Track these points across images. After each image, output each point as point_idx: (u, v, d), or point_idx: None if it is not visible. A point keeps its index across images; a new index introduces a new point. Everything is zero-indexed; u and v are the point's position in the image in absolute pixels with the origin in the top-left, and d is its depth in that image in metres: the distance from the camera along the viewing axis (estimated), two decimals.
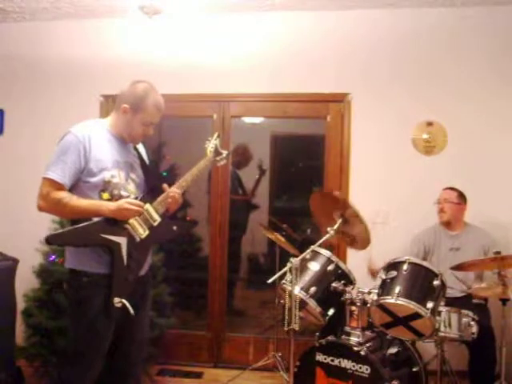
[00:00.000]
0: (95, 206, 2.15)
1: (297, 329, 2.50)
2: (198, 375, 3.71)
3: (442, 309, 2.70)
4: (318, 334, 2.95)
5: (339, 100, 3.80)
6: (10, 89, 4.07)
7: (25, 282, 3.33)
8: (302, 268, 2.76)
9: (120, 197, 2.21)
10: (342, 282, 2.84)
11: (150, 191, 2.34)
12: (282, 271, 2.57)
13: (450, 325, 2.71)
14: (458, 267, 2.84)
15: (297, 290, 2.56)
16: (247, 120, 4.55)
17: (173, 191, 2.31)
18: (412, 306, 2.53)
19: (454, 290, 3.12)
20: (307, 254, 2.76)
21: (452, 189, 3.38)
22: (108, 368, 2.28)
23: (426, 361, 2.98)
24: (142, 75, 3.93)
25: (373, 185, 3.69)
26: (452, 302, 2.85)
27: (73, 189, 2.18)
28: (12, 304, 3.17)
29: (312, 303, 2.73)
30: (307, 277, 2.81)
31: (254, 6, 3.72)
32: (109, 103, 3.95)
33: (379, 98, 3.72)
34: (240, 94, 3.88)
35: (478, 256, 3.14)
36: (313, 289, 2.75)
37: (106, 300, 2.13)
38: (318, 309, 2.74)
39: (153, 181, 2.37)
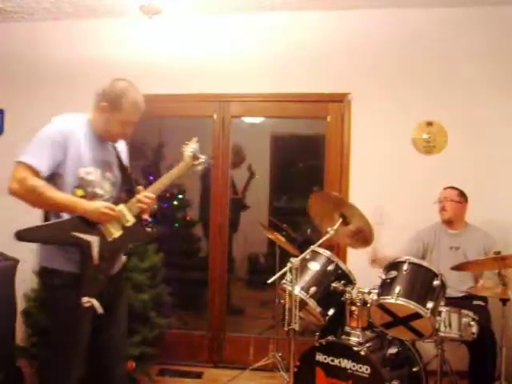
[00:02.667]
0: (71, 202, 2.10)
1: (297, 329, 2.50)
2: (198, 375, 3.71)
3: (442, 309, 2.70)
4: (318, 333, 2.95)
5: (339, 100, 3.80)
6: (9, 89, 4.07)
7: (25, 282, 3.33)
8: (302, 268, 2.76)
9: (94, 195, 2.18)
10: (342, 282, 2.84)
11: (126, 192, 2.31)
12: (282, 271, 2.57)
13: (450, 325, 2.71)
14: (459, 267, 2.84)
15: (297, 290, 2.56)
16: (247, 120, 4.55)
17: (144, 196, 2.26)
18: (412, 306, 2.53)
19: (454, 289, 3.12)
20: (307, 253, 2.76)
21: (453, 188, 3.38)
22: (91, 368, 2.27)
23: (426, 361, 2.98)
24: (142, 75, 3.95)
25: (373, 185, 3.69)
26: (452, 302, 2.85)
27: (46, 181, 2.11)
28: (12, 304, 3.17)
29: (312, 303, 2.73)
30: (307, 277, 2.81)
31: (254, 6, 3.72)
32: None
33: (379, 98, 3.72)
34: (240, 94, 3.88)
35: (478, 256, 3.14)
36: (313, 289, 2.75)
37: (76, 301, 2.10)
38: (318, 309, 2.74)
39: (129, 181, 2.33)
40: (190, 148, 2.42)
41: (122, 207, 2.22)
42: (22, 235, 2.10)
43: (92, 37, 3.98)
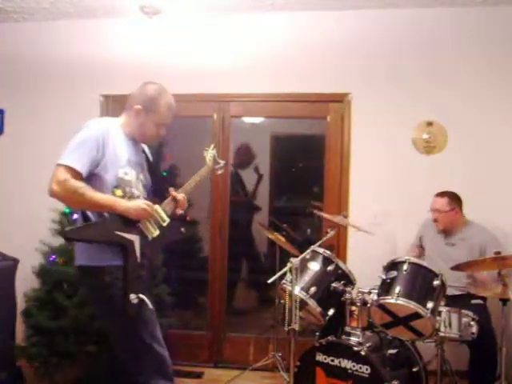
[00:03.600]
0: (111, 201, 2.16)
1: (297, 329, 2.51)
2: (198, 375, 3.71)
3: (442, 309, 2.70)
4: (318, 333, 2.95)
5: (339, 100, 3.80)
6: (10, 89, 4.07)
7: (25, 282, 3.34)
8: (302, 268, 2.76)
9: (132, 195, 2.25)
10: (342, 282, 2.85)
11: (153, 193, 2.40)
12: (282, 271, 2.57)
13: (450, 325, 2.71)
14: (458, 267, 2.84)
15: (297, 290, 2.57)
16: (247, 120, 4.55)
17: (180, 195, 2.39)
18: (412, 305, 2.53)
19: (453, 287, 3.11)
20: (307, 254, 2.77)
21: (442, 195, 3.27)
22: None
23: (426, 361, 2.98)
24: (142, 75, 3.93)
25: (373, 185, 3.69)
26: (451, 302, 2.85)
27: (85, 182, 2.16)
28: (12, 304, 3.18)
29: (312, 303, 2.73)
30: (307, 277, 2.82)
31: (254, 6, 3.72)
32: (109, 103, 3.95)
33: (379, 98, 3.72)
34: (240, 94, 3.88)
35: (473, 253, 3.12)
36: (313, 289, 2.75)
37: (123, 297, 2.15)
38: (318, 309, 2.74)
39: (158, 183, 2.44)
40: (210, 153, 2.60)
41: (157, 207, 2.30)
42: (70, 235, 2.16)
43: (92, 37, 3.98)
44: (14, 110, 4.07)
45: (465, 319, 2.71)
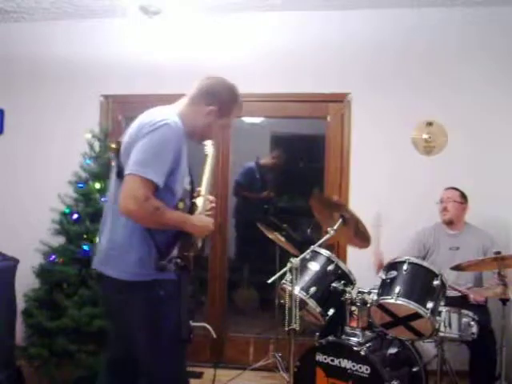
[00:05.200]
0: (181, 220, 1.91)
1: (297, 329, 2.50)
2: (198, 375, 3.71)
3: (442, 309, 2.70)
4: (318, 333, 2.95)
5: (339, 100, 3.80)
6: (9, 89, 4.07)
7: (25, 282, 3.33)
8: (302, 268, 2.76)
9: (187, 207, 2.00)
10: (342, 282, 2.84)
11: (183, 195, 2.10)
12: (282, 271, 2.57)
13: (450, 325, 2.71)
14: (458, 267, 2.84)
15: (297, 290, 2.56)
16: (247, 120, 4.55)
17: (213, 199, 2.17)
18: (412, 306, 2.53)
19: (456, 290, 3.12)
20: (307, 254, 2.76)
21: (455, 188, 3.38)
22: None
23: (426, 361, 2.98)
24: (142, 75, 3.96)
25: (373, 185, 3.69)
26: (452, 302, 2.85)
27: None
28: (12, 304, 3.17)
29: (312, 303, 2.73)
30: (307, 277, 2.81)
31: (254, 6, 3.72)
32: (109, 103, 3.95)
33: (379, 98, 3.72)
34: (240, 94, 3.87)
35: (478, 256, 3.14)
36: (313, 289, 2.75)
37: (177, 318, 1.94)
38: (318, 309, 2.74)
39: (193, 185, 2.15)
40: (210, 148, 2.25)
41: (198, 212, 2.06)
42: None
43: (92, 37, 3.98)
44: (14, 110, 4.07)
45: (465, 319, 2.72)
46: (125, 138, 1.96)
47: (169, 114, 1.91)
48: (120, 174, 1.90)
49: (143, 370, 2.02)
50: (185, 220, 1.92)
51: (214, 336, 2.08)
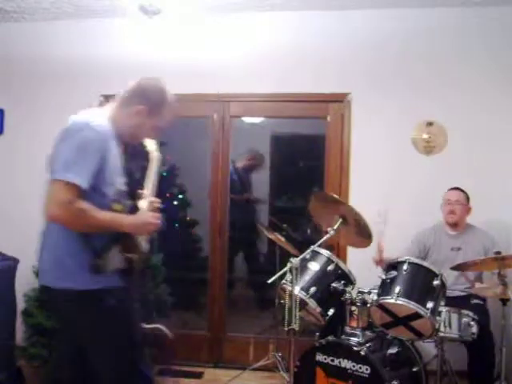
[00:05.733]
0: (117, 221, 1.87)
1: (297, 329, 2.50)
2: (198, 375, 3.71)
3: (442, 309, 2.70)
4: (318, 333, 2.95)
5: (339, 100, 3.80)
6: (9, 89, 4.07)
7: (25, 282, 3.33)
8: (302, 268, 2.76)
9: (127, 208, 1.96)
10: (342, 282, 2.84)
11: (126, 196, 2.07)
12: (282, 271, 2.57)
13: (450, 325, 2.71)
14: (458, 267, 2.84)
15: (297, 290, 2.56)
16: (247, 120, 4.55)
17: (157, 201, 2.10)
18: (412, 306, 2.53)
19: (454, 289, 3.12)
20: (307, 253, 2.76)
21: (460, 189, 3.35)
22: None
23: (426, 361, 2.98)
24: (142, 75, 3.94)
25: (373, 185, 3.69)
26: (451, 302, 2.85)
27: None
28: (12, 304, 3.17)
29: (312, 303, 2.73)
30: (307, 277, 2.81)
31: (254, 6, 3.72)
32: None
33: (379, 98, 3.72)
34: (240, 94, 3.88)
35: (479, 256, 3.13)
36: (313, 289, 2.75)
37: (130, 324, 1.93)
38: (318, 309, 2.74)
39: (135, 186, 2.10)
40: (153, 146, 2.23)
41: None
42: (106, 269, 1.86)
43: (92, 37, 3.98)
44: (13, 110, 4.07)
45: (465, 319, 2.71)
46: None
47: (91, 117, 1.90)
48: None
49: (97, 375, 2.00)
50: (120, 221, 1.88)
51: (170, 336, 2.03)
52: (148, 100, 2.02)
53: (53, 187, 1.79)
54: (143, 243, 2.03)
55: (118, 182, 1.94)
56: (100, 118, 1.94)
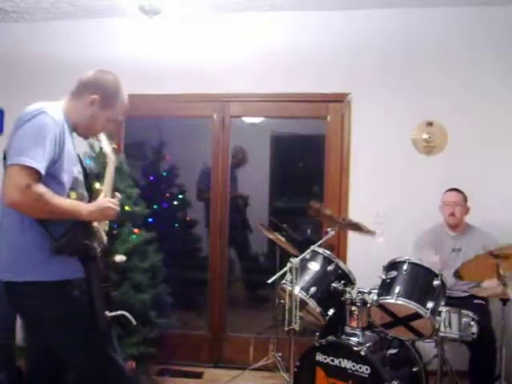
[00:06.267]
0: (75, 207, 1.87)
1: (297, 329, 2.51)
2: (198, 375, 3.71)
3: (442, 309, 2.70)
4: (318, 333, 2.95)
5: (339, 100, 3.80)
6: (9, 89, 4.07)
7: None
8: (302, 268, 2.76)
9: (83, 197, 1.98)
10: (342, 282, 2.85)
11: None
12: (282, 271, 2.57)
13: (450, 325, 2.70)
14: (458, 274, 2.82)
15: (297, 290, 2.57)
16: (247, 120, 4.55)
17: (117, 196, 2.12)
18: (412, 306, 2.53)
19: (456, 290, 3.12)
20: (307, 253, 2.77)
21: (457, 190, 3.34)
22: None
23: (426, 361, 2.98)
24: (142, 75, 3.95)
25: (373, 185, 3.69)
26: (452, 302, 2.85)
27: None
28: None
29: (312, 303, 2.73)
30: (307, 277, 2.81)
31: (254, 6, 3.72)
32: None
33: (379, 98, 3.72)
34: (240, 94, 3.88)
35: None
36: (313, 289, 2.75)
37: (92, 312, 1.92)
38: (318, 309, 2.74)
39: (88, 179, 2.12)
40: (106, 144, 2.22)
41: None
42: (65, 249, 1.86)
43: (92, 37, 3.98)
44: (13, 110, 4.04)
45: (465, 319, 2.71)
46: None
47: (46, 105, 1.91)
48: None
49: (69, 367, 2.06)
50: (79, 208, 1.88)
51: (134, 323, 2.02)
52: (102, 90, 2.02)
53: (9, 173, 1.76)
54: (102, 233, 2.04)
55: (75, 170, 1.96)
56: (55, 108, 1.94)
